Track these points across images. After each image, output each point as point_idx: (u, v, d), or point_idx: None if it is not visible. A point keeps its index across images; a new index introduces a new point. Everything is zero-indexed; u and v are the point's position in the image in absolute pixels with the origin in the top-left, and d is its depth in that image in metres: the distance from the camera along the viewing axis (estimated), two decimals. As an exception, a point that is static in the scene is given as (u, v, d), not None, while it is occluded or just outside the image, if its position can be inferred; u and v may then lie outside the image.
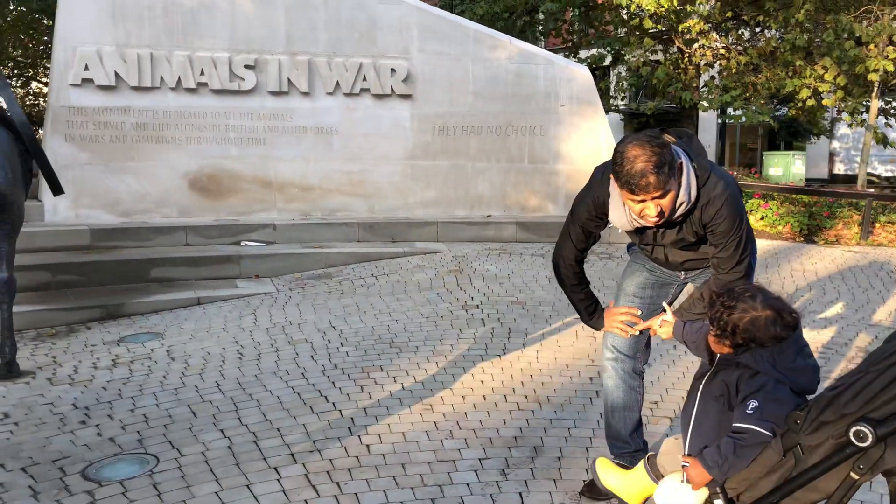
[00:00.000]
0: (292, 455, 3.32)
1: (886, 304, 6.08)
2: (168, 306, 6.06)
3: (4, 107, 5.07)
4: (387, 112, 8.49)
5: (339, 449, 3.39)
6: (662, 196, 2.33)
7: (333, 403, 3.93)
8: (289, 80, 8.17)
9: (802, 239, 9.03)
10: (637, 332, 2.68)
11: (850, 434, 1.67)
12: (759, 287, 2.02)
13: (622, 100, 21.23)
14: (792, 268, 7.30)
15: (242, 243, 7.61)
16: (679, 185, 2.39)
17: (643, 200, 2.34)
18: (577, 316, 2.97)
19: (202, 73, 7.93)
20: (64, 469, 3.21)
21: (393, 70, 8.39)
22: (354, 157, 8.46)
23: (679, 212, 2.45)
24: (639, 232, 2.64)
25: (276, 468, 3.19)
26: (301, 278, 6.82)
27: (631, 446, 3.04)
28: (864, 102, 13.70)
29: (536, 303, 5.85)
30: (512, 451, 3.42)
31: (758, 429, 1.85)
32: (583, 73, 8.79)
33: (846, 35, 12.34)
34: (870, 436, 1.65)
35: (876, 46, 12.33)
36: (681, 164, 2.40)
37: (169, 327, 5.50)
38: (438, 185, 8.71)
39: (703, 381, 2.04)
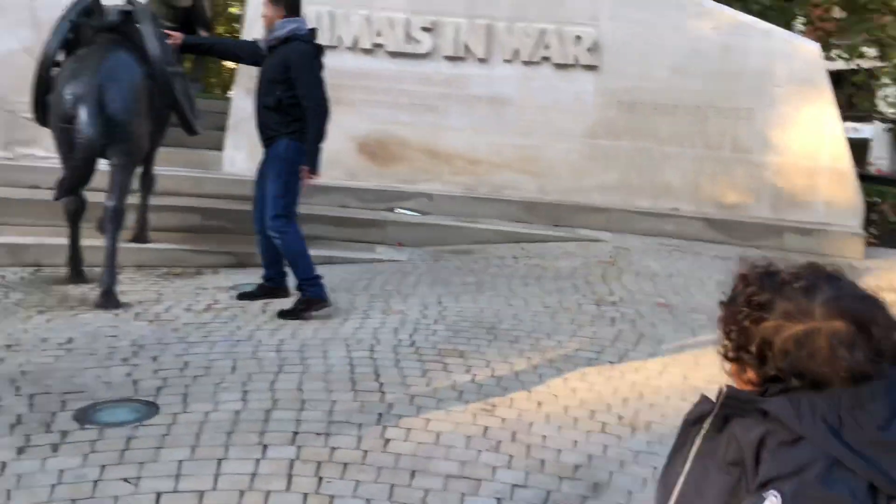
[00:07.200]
0: (294, 434, 2.83)
1: None
2: (295, 262, 5.87)
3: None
4: (567, 84, 7.68)
5: (352, 438, 2.83)
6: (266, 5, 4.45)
7: (381, 383, 3.37)
8: (465, 44, 7.68)
9: None
10: None
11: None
12: (824, 270, 1.11)
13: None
14: None
15: (396, 210, 7.30)
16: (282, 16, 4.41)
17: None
18: None
19: (379, 34, 7.69)
20: (65, 403, 2.98)
21: (578, 38, 7.56)
22: (528, 130, 7.77)
23: (273, 35, 4.41)
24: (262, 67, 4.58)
25: (265, 445, 2.72)
26: (440, 251, 6.33)
27: (265, 273, 4.82)
28: None
29: (689, 309, 4.82)
30: (563, 483, 2.64)
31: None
32: (808, 49, 7.33)
33: None
34: None
35: None
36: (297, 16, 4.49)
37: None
38: (620, 169, 7.74)
39: (703, 433, 1.15)
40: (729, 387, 1.11)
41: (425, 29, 7.65)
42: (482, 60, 7.70)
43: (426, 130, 7.83)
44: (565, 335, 4.21)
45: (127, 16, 4.93)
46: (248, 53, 5.03)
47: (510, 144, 7.81)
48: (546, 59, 7.62)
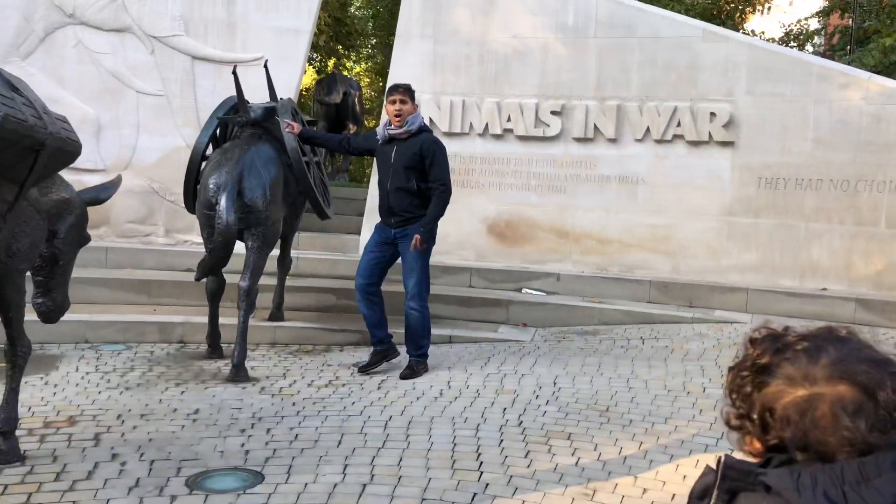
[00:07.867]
0: (386, 510, 2.82)
1: None
2: (419, 341, 5.98)
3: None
4: (701, 161, 7.47)
5: (441, 516, 2.78)
6: (403, 102, 4.81)
7: (481, 462, 3.33)
8: (595, 125, 7.70)
9: None
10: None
11: None
12: (835, 332, 1.01)
13: None
14: None
15: (523, 290, 7.29)
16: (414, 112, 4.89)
17: (394, 101, 4.83)
18: None
19: (509, 120, 7.89)
20: (180, 470, 3.17)
21: (713, 114, 7.37)
22: (660, 209, 7.59)
23: (405, 128, 4.81)
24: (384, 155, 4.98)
25: (354, 519, 2.73)
26: (564, 332, 6.22)
27: (375, 337, 5.01)
28: None
29: (831, 396, 4.40)
30: (659, 576, 2.44)
31: None
32: (973, 115, 6.72)
33: None
34: None
35: None
36: (418, 110, 5.12)
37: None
38: (760, 247, 7.35)
39: (711, 509, 1.06)
40: (727, 456, 1.03)
41: (554, 112, 7.77)
42: (612, 140, 7.68)
43: (555, 211, 7.86)
44: (683, 420, 3.97)
45: (269, 111, 5.42)
46: (356, 146, 5.54)
47: (642, 224, 7.64)
48: (679, 136, 7.47)
